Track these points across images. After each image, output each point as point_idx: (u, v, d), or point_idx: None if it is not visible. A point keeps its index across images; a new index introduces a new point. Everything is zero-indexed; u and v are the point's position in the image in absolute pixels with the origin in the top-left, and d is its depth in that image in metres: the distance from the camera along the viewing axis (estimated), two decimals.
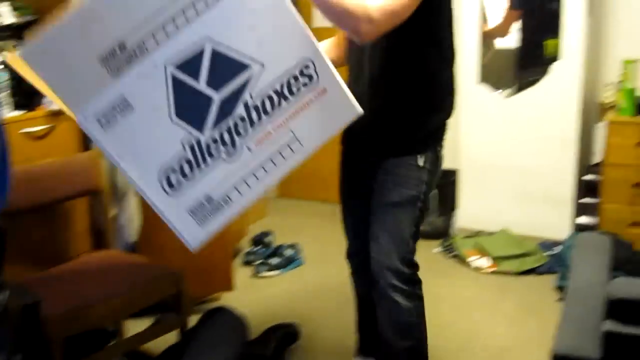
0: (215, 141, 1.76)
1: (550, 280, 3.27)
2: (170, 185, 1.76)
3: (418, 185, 2.08)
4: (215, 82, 1.73)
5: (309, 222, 4.25)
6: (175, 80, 1.70)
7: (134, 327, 2.58)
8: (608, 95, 3.61)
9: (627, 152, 3.27)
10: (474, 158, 3.86)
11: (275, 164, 1.81)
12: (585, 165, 3.81)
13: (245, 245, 3.75)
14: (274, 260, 3.49)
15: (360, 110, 1.81)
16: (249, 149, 1.78)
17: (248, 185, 1.80)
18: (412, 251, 2.13)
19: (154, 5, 1.62)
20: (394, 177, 2.08)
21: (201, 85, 1.72)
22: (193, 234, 1.84)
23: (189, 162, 1.75)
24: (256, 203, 4.24)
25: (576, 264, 1.87)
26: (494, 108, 3.78)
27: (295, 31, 1.76)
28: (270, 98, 1.77)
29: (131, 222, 2.91)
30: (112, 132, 1.68)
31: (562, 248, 3.36)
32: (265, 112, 1.78)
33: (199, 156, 1.76)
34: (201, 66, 1.71)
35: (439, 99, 2.09)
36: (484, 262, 3.50)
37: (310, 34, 1.77)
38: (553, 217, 3.74)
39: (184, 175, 1.75)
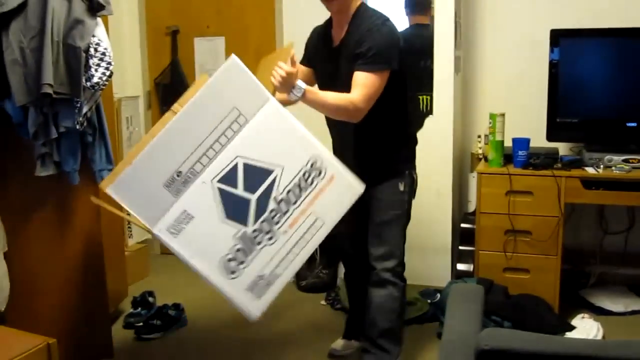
0: (258, 231, 2.25)
1: (433, 327, 3.35)
2: (231, 271, 2.23)
3: (401, 206, 2.75)
4: (250, 186, 2.25)
5: (193, 280, 4.13)
6: (221, 191, 2.22)
7: None
8: (479, 147, 3.80)
9: (497, 201, 3.43)
10: None
11: (306, 240, 2.31)
12: (463, 213, 3.97)
13: (126, 307, 3.61)
14: (157, 322, 3.38)
15: (362, 188, 2.39)
16: (284, 232, 2.27)
17: (289, 259, 2.28)
18: (402, 253, 2.81)
19: (198, 140, 2.18)
20: (383, 202, 2.71)
21: (239, 191, 2.24)
22: (254, 306, 2.25)
23: (241, 250, 2.23)
24: (137, 261, 4.09)
25: (449, 314, 1.92)
26: None
27: (302, 138, 2.33)
28: (293, 191, 2.30)
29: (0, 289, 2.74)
30: (181, 238, 2.18)
31: (441, 295, 3.46)
32: (291, 202, 2.30)
33: (249, 244, 2.24)
34: (237, 177, 2.24)
35: (405, 135, 2.80)
36: None
37: (312, 138, 2.34)
38: (434, 265, 3.86)
39: (239, 262, 2.23)
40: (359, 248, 2.88)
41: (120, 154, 3.96)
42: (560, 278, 3.41)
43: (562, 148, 3.71)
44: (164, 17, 4.53)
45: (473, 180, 3.72)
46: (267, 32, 4.35)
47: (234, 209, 2.24)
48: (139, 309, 3.51)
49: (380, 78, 2.51)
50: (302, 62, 2.86)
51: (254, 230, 2.25)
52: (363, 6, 2.65)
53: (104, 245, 2.91)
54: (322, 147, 2.36)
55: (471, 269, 3.64)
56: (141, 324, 3.41)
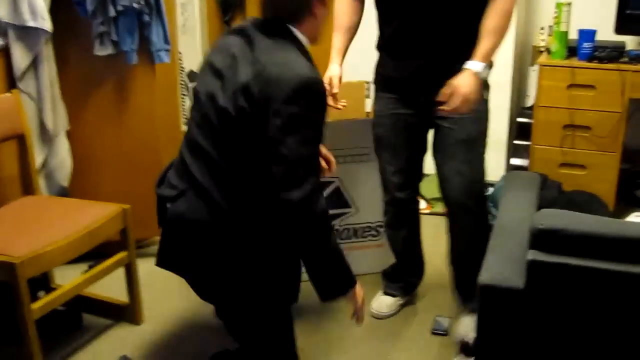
0: None
1: None
2: None
3: (486, 120, 2.36)
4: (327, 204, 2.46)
5: None
6: None
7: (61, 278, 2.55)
8: (541, 39, 3.66)
9: (558, 94, 3.33)
10: None
11: None
12: (520, 107, 3.88)
13: None
14: None
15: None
16: None
17: None
18: (485, 177, 2.40)
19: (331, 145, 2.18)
20: (469, 115, 2.17)
21: None
22: None
23: None
24: None
25: (505, 200, 1.91)
26: None
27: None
28: (348, 230, 2.71)
29: (62, 166, 2.83)
30: None
31: (495, 189, 3.44)
32: (341, 237, 2.67)
33: None
34: (324, 191, 2.44)
35: None
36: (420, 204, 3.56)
37: None
38: (488, 159, 3.79)
39: None
40: (408, 189, 2.53)
41: (175, 40, 3.94)
42: (617, 176, 3.35)
43: (630, 42, 3.54)
44: None
45: (533, 74, 3.61)
46: None
47: None
48: None
49: None
50: None
51: None
52: None
53: (160, 126, 2.95)
54: None
55: (526, 164, 3.59)
56: None
